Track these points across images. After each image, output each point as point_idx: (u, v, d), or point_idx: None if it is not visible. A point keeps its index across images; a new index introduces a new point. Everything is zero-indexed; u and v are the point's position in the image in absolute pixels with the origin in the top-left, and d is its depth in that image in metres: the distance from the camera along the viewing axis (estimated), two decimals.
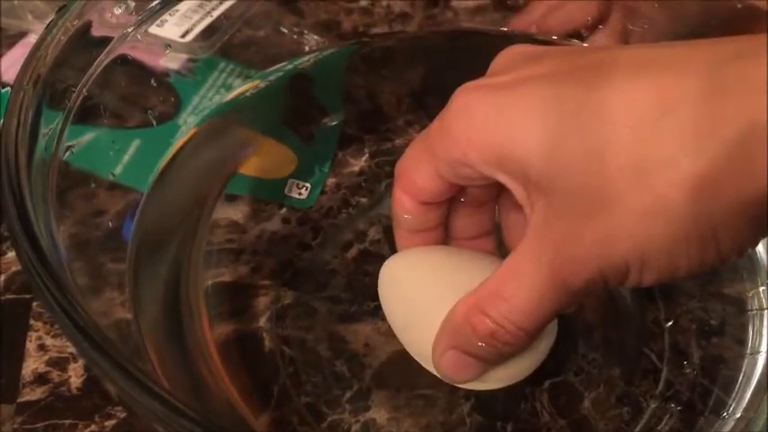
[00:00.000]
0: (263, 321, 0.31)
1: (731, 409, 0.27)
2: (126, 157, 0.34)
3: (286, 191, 0.35)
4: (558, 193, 0.22)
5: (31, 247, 0.22)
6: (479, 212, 0.28)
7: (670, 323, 0.30)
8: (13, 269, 0.35)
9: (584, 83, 0.22)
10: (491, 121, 0.23)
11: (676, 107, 0.20)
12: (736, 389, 0.28)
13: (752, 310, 0.30)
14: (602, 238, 0.21)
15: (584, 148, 0.21)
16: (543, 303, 0.22)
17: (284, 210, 0.35)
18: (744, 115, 0.19)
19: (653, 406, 0.28)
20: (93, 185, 0.32)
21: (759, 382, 0.28)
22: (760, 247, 0.31)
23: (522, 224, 0.23)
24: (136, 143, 0.35)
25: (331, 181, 0.36)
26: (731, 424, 0.27)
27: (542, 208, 0.22)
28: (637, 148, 0.20)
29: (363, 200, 0.35)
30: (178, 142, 0.35)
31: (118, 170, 0.33)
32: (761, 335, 0.29)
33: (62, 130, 0.29)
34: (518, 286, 0.23)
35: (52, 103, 0.28)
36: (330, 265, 0.33)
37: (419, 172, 0.26)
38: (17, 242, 0.22)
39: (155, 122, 0.36)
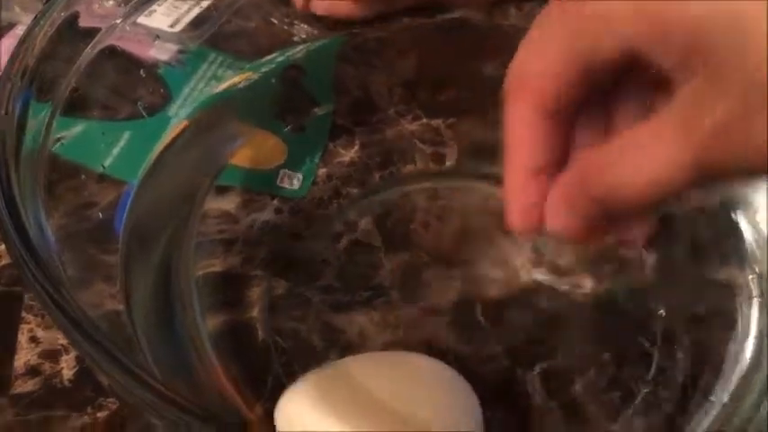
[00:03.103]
0: (255, 312, 0.31)
1: (719, 392, 0.28)
2: (116, 150, 0.34)
3: (278, 181, 0.35)
4: (739, 80, 0.19)
5: (21, 239, 0.22)
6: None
7: (662, 311, 0.30)
8: (3, 262, 0.35)
9: None
10: None
11: None
12: (725, 374, 0.28)
13: (741, 296, 0.30)
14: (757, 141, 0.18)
15: None
16: (672, 184, 0.20)
17: (276, 200, 0.35)
18: None
19: (644, 390, 0.28)
20: (83, 177, 0.32)
21: (747, 366, 0.28)
22: (748, 235, 0.32)
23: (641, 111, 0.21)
24: (126, 135, 0.35)
25: (322, 171, 0.36)
26: (719, 408, 0.27)
27: (707, 83, 0.19)
28: None
29: (354, 190, 0.35)
30: (169, 134, 0.35)
31: (108, 162, 0.33)
32: (749, 320, 0.30)
33: (50, 122, 0.29)
34: (655, 158, 0.20)
35: (40, 94, 0.28)
36: (322, 255, 0.33)
37: (545, 62, 0.21)
38: (6, 234, 0.22)
39: (145, 114, 0.36)
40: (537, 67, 0.22)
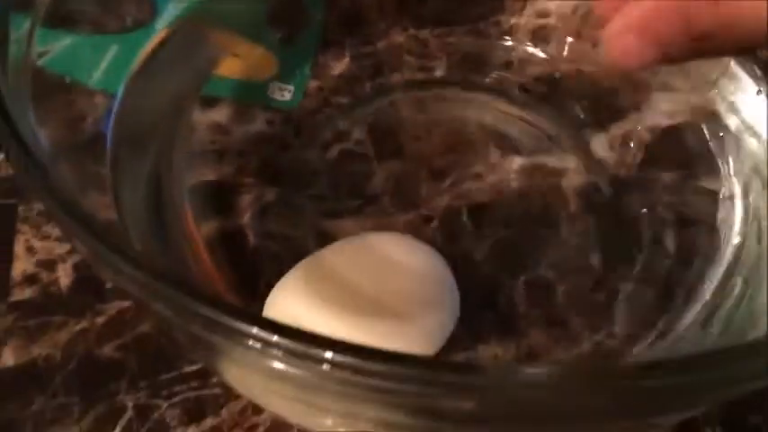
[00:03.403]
0: (246, 218, 0.31)
1: (702, 292, 0.29)
2: (104, 64, 0.34)
3: (269, 92, 0.36)
4: None
5: (18, 144, 0.22)
6: None
7: (645, 210, 0.31)
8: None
9: None
10: None
11: None
12: (708, 275, 0.29)
13: (723, 199, 0.31)
14: None
15: None
16: None
17: (267, 111, 0.35)
18: None
19: (628, 289, 0.29)
20: (71, 91, 0.32)
21: (728, 265, 0.29)
22: (733, 141, 0.32)
23: None
24: (113, 49, 0.34)
25: (313, 83, 0.36)
26: (698, 307, 0.28)
27: None
28: None
29: (345, 101, 0.35)
30: (151, 42, 0.35)
31: (96, 76, 0.33)
32: (732, 224, 0.31)
33: (31, 34, 0.28)
34: None
35: (19, 6, 0.28)
36: (314, 164, 0.33)
37: None
38: (4, 140, 0.22)
39: (131, 27, 0.35)
40: None
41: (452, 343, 0.28)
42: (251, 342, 0.17)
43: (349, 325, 0.25)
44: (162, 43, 0.34)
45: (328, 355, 0.17)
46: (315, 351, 0.17)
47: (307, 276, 0.27)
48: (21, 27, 0.27)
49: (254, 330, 0.17)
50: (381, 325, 0.25)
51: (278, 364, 0.18)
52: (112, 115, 0.31)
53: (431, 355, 0.26)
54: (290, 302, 0.26)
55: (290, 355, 0.17)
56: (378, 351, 0.17)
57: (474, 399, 0.17)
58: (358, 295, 0.26)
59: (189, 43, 0.35)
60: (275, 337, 0.17)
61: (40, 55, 0.28)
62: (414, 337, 0.26)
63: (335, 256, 0.28)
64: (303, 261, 0.28)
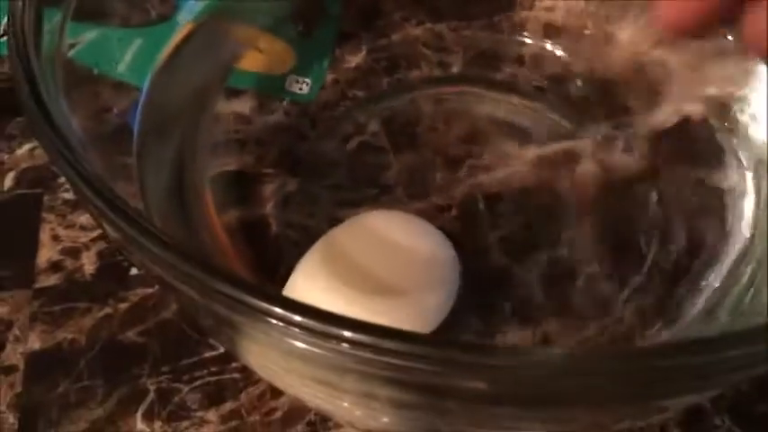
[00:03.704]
0: (268, 207, 0.32)
1: (710, 279, 0.29)
2: (128, 56, 0.35)
3: (287, 86, 0.36)
4: None
5: (52, 129, 0.23)
6: None
7: (655, 202, 0.32)
8: (23, 166, 0.36)
9: None
10: None
11: None
12: (716, 262, 0.29)
13: (733, 193, 0.31)
14: None
15: None
16: None
17: (286, 103, 0.36)
18: None
19: (639, 280, 0.30)
20: (97, 83, 0.32)
21: (736, 258, 0.29)
22: (743, 133, 0.32)
23: None
24: (137, 42, 0.35)
25: (330, 76, 0.37)
26: (708, 292, 0.29)
27: None
28: None
29: (362, 94, 0.36)
30: (176, 36, 0.35)
31: (120, 68, 0.34)
32: (742, 217, 0.31)
33: (62, 27, 0.29)
34: None
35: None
36: (331, 155, 0.34)
37: None
38: (39, 127, 0.23)
39: (154, 21, 0.36)
40: None
41: (467, 330, 0.29)
42: (273, 321, 0.18)
43: (353, 303, 0.26)
44: (186, 38, 0.35)
45: (347, 334, 0.17)
46: (334, 330, 0.17)
47: (322, 258, 0.28)
48: (52, 20, 0.28)
49: (277, 309, 0.18)
50: (383, 303, 0.27)
51: (298, 344, 0.18)
52: (139, 107, 0.32)
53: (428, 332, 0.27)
54: (308, 284, 0.27)
55: (309, 333, 0.18)
56: (394, 331, 0.18)
57: (487, 379, 0.18)
58: (365, 275, 0.27)
59: (212, 38, 0.36)
60: (297, 317, 0.18)
61: (70, 47, 0.29)
62: (413, 315, 0.27)
63: (346, 236, 0.29)
64: (318, 243, 0.29)
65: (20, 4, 0.27)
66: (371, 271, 0.28)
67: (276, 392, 0.29)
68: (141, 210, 0.29)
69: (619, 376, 0.17)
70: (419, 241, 0.29)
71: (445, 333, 0.28)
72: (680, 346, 0.17)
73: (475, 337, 0.29)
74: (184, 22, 0.36)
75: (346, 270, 0.28)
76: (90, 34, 0.32)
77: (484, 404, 0.20)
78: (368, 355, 0.18)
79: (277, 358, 0.21)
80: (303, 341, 0.18)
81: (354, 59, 0.37)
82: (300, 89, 0.36)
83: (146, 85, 0.33)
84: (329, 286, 0.27)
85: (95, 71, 0.32)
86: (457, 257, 0.29)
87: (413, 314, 0.27)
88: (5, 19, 0.28)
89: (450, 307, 0.28)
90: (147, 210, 0.29)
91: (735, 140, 0.33)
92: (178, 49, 0.34)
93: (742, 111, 0.33)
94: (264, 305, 0.18)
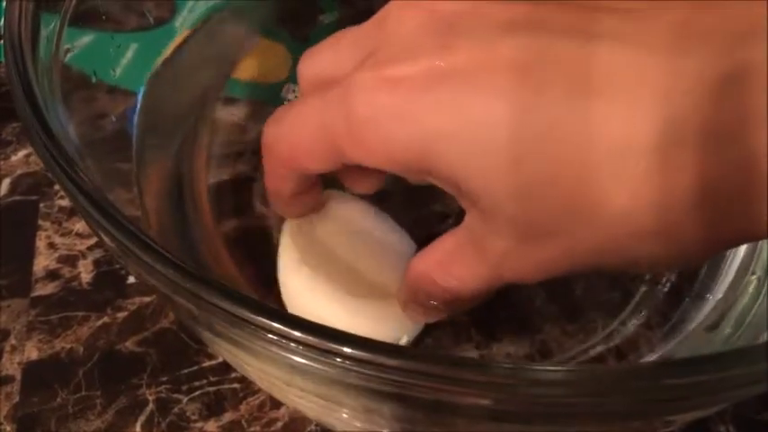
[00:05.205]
0: (264, 218, 0.32)
1: (715, 290, 0.29)
2: (124, 61, 0.34)
3: (283, 93, 0.36)
4: (499, 216, 0.20)
5: (49, 139, 0.22)
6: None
7: None
8: (19, 172, 0.36)
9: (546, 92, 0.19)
10: (416, 139, 0.20)
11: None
12: (721, 273, 0.29)
13: None
14: (548, 260, 0.21)
15: (542, 179, 0.19)
16: (484, 288, 0.23)
17: None
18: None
19: (642, 290, 0.29)
20: (93, 89, 0.32)
21: (740, 265, 0.29)
22: None
23: None
24: (133, 47, 0.35)
25: None
26: (713, 304, 0.28)
27: (480, 219, 0.21)
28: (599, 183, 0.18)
29: None
30: (173, 43, 0.35)
31: (117, 74, 0.34)
32: None
33: (59, 33, 0.29)
34: (463, 272, 0.22)
35: (49, 5, 0.28)
36: None
37: (313, 161, 0.23)
38: (34, 134, 0.23)
39: (150, 26, 0.36)
40: (304, 161, 0.24)
41: (467, 339, 0.28)
42: (272, 336, 0.18)
43: (338, 303, 0.26)
44: (183, 44, 0.35)
45: (347, 350, 0.17)
46: (334, 346, 0.17)
47: (300, 251, 0.28)
48: (49, 25, 0.28)
49: (276, 325, 0.18)
50: (368, 304, 0.27)
51: (297, 358, 0.18)
52: (137, 114, 0.32)
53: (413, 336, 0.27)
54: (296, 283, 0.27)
55: (309, 349, 0.18)
56: (394, 347, 0.18)
57: (489, 396, 0.18)
58: (346, 271, 0.27)
59: (210, 44, 0.36)
60: (296, 332, 0.17)
61: (66, 52, 0.29)
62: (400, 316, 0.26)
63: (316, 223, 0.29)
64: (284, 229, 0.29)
65: (16, 8, 0.27)
66: (350, 266, 0.27)
67: (276, 403, 0.29)
68: (139, 217, 0.29)
69: (627, 394, 0.17)
70: (380, 228, 0.29)
71: (440, 342, 0.28)
72: (689, 363, 0.17)
73: (471, 346, 0.29)
74: (182, 27, 0.36)
75: (328, 266, 0.27)
76: (86, 39, 0.32)
77: (486, 420, 0.19)
78: (368, 371, 0.17)
79: (276, 371, 0.21)
80: (302, 356, 0.18)
81: None
82: (296, 97, 0.36)
83: (143, 92, 0.32)
84: (315, 286, 0.27)
85: (94, 79, 0.31)
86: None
87: (398, 313, 0.27)
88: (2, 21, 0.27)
89: None
90: (144, 217, 0.29)
91: None
92: (176, 55, 0.34)
93: None
94: (263, 320, 0.18)
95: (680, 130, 0.18)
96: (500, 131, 0.19)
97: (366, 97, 0.21)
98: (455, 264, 0.23)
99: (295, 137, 0.23)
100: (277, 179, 0.25)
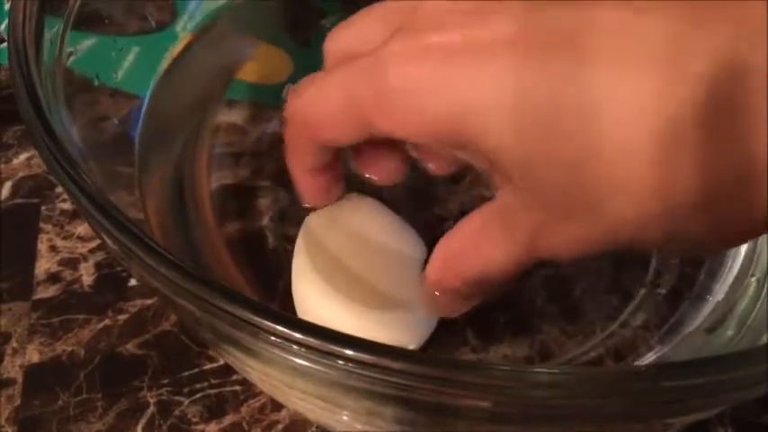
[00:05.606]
0: (265, 220, 0.32)
1: (714, 292, 0.29)
2: (126, 64, 0.35)
3: (284, 95, 0.36)
4: (533, 189, 0.20)
5: (52, 142, 0.22)
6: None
7: None
8: (20, 175, 0.36)
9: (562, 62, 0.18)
10: (448, 110, 0.20)
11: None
12: (721, 275, 0.29)
13: None
14: (582, 236, 0.20)
15: (566, 152, 0.19)
16: (513, 267, 0.22)
17: (281, 112, 0.35)
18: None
19: (642, 292, 0.29)
20: (95, 92, 0.32)
21: (741, 267, 0.29)
22: None
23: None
24: (135, 51, 0.35)
25: None
26: (712, 306, 0.28)
27: (512, 194, 0.21)
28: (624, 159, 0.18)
29: None
30: (176, 47, 0.35)
31: (118, 77, 0.34)
32: None
33: (62, 36, 0.29)
34: (492, 250, 0.22)
35: (52, 7, 0.28)
36: None
37: (337, 132, 0.23)
38: (38, 137, 0.23)
39: (152, 30, 0.36)
40: (331, 132, 0.23)
41: (462, 342, 0.29)
42: (275, 338, 0.18)
43: (349, 310, 0.26)
44: (186, 48, 0.35)
45: (349, 352, 0.17)
46: (335, 348, 0.17)
47: (311, 258, 0.28)
48: (52, 28, 0.28)
49: (279, 327, 0.18)
50: (382, 315, 0.26)
51: (300, 361, 0.18)
52: (140, 117, 0.32)
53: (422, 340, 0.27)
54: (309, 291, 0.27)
55: (310, 351, 0.18)
56: (396, 350, 0.18)
57: (490, 399, 0.18)
58: (357, 278, 0.27)
59: (211, 48, 0.36)
60: (298, 335, 0.18)
61: (69, 55, 0.29)
62: (408, 320, 0.26)
63: (328, 229, 0.28)
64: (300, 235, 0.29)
65: (20, 12, 0.27)
66: (362, 274, 0.27)
67: (277, 405, 0.29)
68: (141, 220, 0.29)
69: (626, 397, 0.17)
70: (394, 233, 0.29)
71: (440, 344, 0.28)
72: (689, 366, 0.17)
73: (470, 349, 0.29)
74: (183, 31, 0.36)
75: (338, 273, 0.27)
76: (89, 42, 0.32)
77: (486, 422, 0.20)
78: (369, 373, 0.17)
79: (278, 374, 0.21)
80: (304, 358, 0.18)
81: None
82: None
83: (147, 97, 0.33)
84: (325, 292, 0.27)
85: (96, 82, 0.32)
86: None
87: (408, 319, 0.27)
88: (5, 23, 0.28)
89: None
90: (147, 220, 0.29)
91: None
92: (178, 59, 0.34)
93: None
94: (266, 322, 0.18)
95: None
96: (539, 101, 0.19)
97: (397, 68, 0.21)
98: (483, 242, 0.22)
99: (320, 107, 0.23)
100: (299, 153, 0.25)
